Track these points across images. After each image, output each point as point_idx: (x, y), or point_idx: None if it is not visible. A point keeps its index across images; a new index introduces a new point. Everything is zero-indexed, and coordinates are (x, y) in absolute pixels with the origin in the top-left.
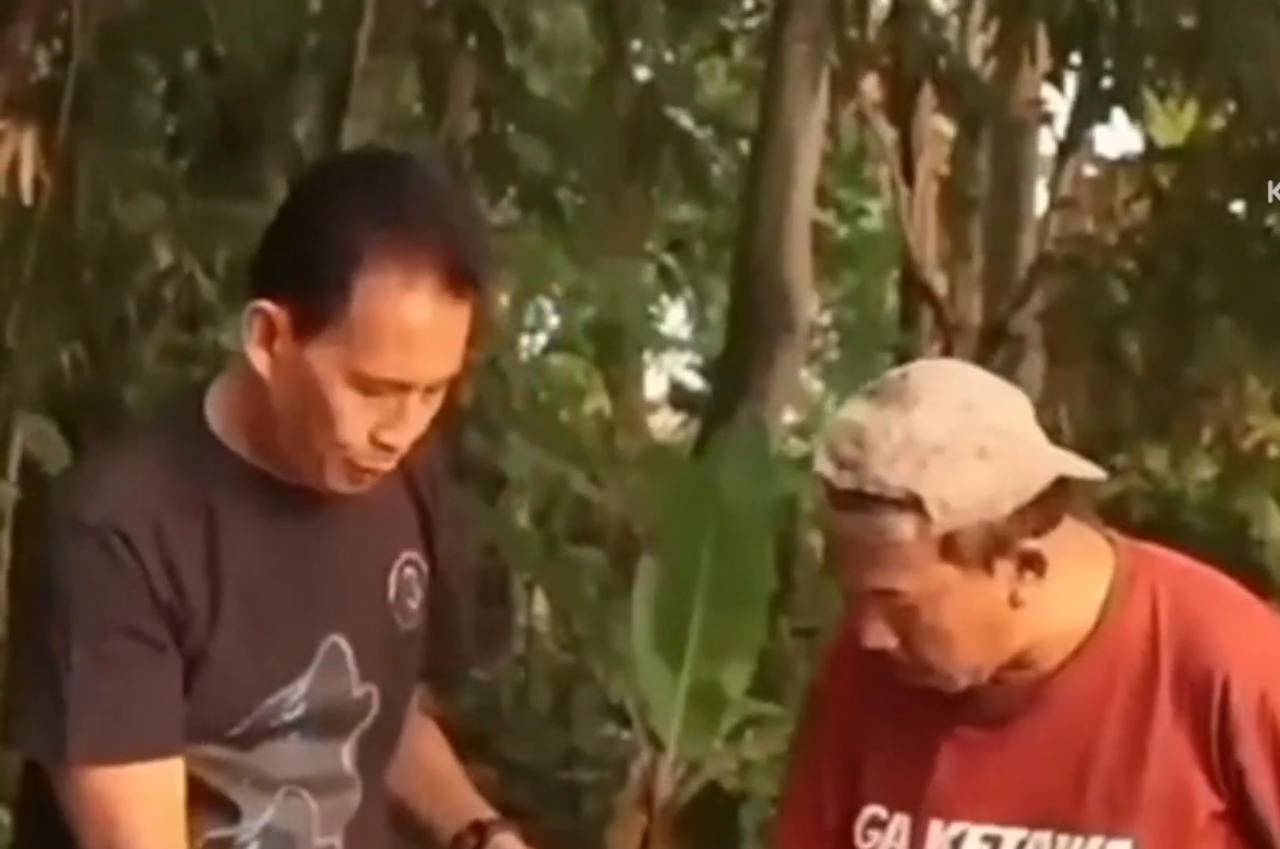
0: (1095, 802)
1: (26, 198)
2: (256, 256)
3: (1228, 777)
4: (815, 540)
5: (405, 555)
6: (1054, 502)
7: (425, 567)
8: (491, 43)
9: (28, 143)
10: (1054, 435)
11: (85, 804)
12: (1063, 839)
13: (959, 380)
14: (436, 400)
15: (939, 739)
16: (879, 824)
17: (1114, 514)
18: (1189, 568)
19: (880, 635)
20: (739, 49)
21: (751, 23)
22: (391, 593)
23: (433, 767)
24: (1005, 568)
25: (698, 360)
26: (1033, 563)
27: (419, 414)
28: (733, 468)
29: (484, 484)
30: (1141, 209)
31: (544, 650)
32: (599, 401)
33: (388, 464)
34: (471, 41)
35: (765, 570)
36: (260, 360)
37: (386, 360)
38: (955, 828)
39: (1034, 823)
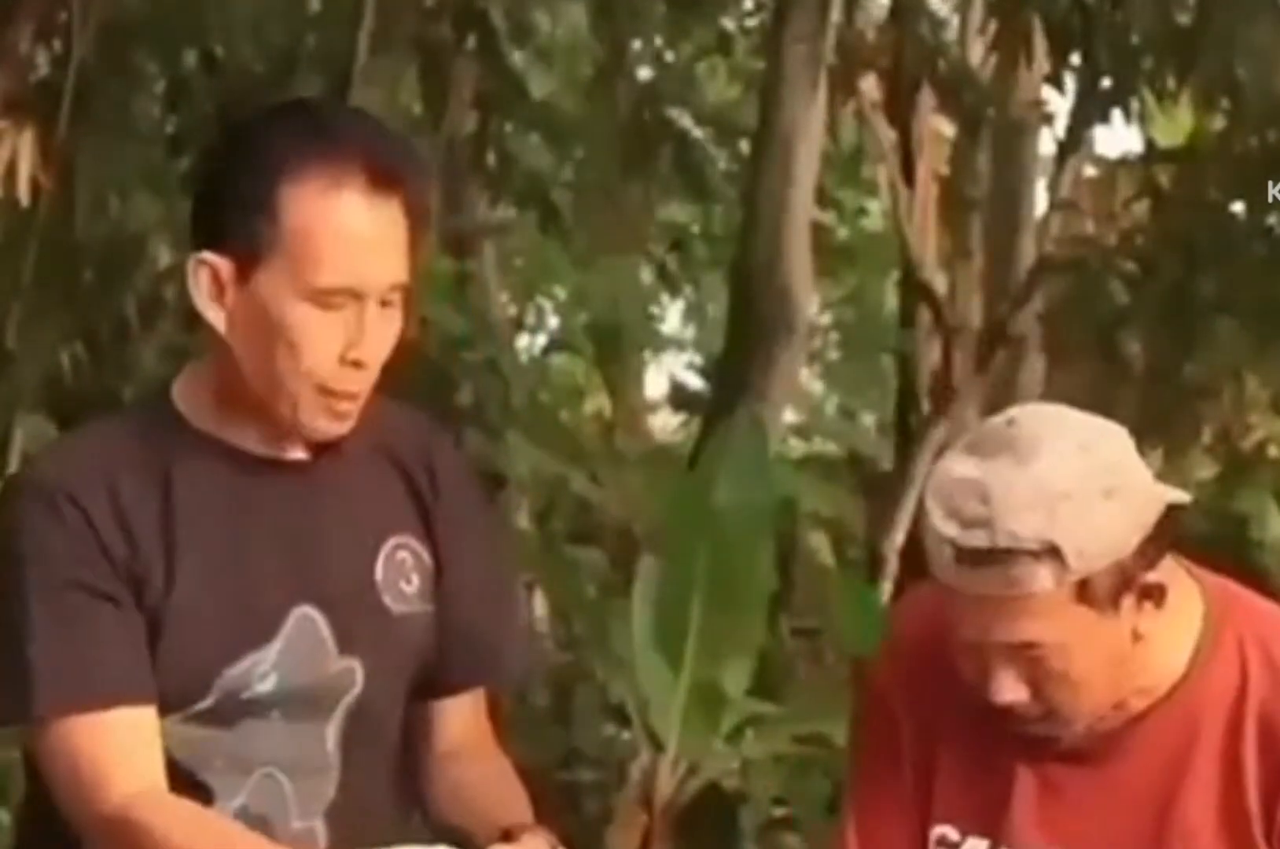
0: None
1: (24, 199)
2: (190, 223)
3: None
4: (815, 540)
5: (397, 539)
6: (1166, 530)
7: (427, 557)
8: (491, 43)
9: (26, 143)
10: None
11: (59, 760)
12: None
13: (1067, 423)
14: (395, 318)
15: (1019, 770)
16: (950, 845)
17: None
18: (1273, 614)
19: (1014, 689)
20: (739, 49)
21: (751, 22)
22: (379, 573)
23: (476, 791)
24: (1128, 602)
25: (698, 360)
26: (1153, 594)
27: (379, 328)
28: (732, 468)
29: (484, 484)
30: (1141, 210)
31: (544, 650)
32: (599, 401)
33: (361, 386)
34: (471, 41)
35: (765, 570)
36: (215, 316)
37: (331, 266)
38: None
39: None
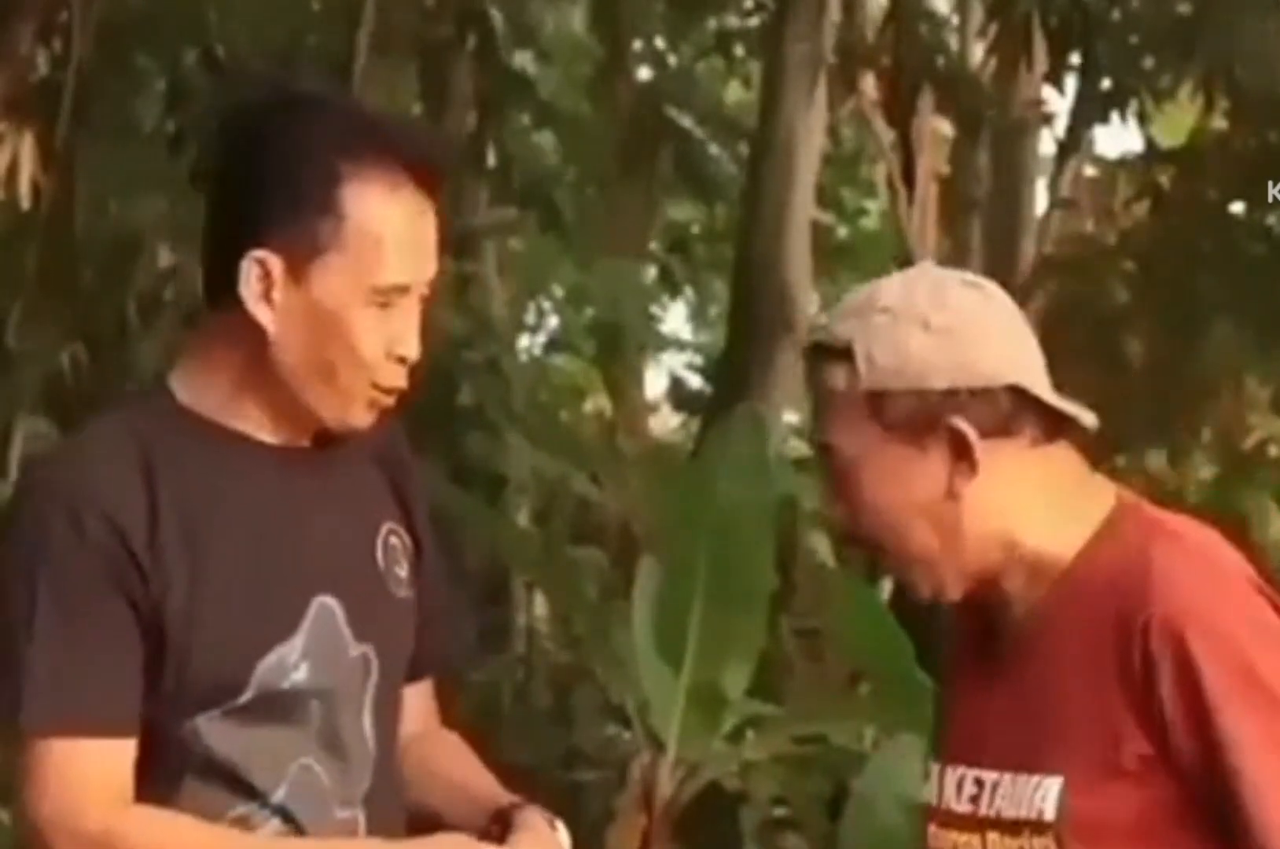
0: (1041, 740)
1: (24, 202)
2: (215, 214)
3: (1152, 718)
4: (815, 540)
5: (389, 525)
6: (1008, 408)
7: (408, 540)
8: (491, 43)
9: (26, 145)
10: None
11: (38, 773)
12: (1020, 779)
13: (954, 274)
14: (420, 305)
15: (959, 688)
16: (935, 775)
17: None
18: (1177, 528)
19: (836, 503)
20: (739, 49)
21: (752, 23)
22: (380, 559)
23: (450, 769)
24: (936, 446)
25: (698, 360)
26: (962, 452)
27: (416, 322)
28: (732, 468)
29: (484, 485)
30: (1141, 209)
31: (544, 650)
32: (599, 402)
33: (404, 381)
34: (471, 41)
35: (765, 570)
36: (264, 315)
37: (396, 265)
38: (959, 772)
39: (999, 765)
